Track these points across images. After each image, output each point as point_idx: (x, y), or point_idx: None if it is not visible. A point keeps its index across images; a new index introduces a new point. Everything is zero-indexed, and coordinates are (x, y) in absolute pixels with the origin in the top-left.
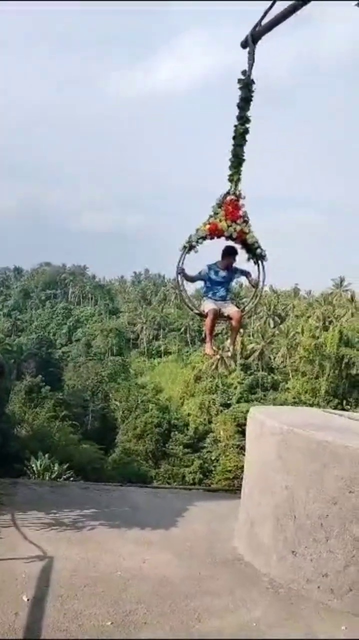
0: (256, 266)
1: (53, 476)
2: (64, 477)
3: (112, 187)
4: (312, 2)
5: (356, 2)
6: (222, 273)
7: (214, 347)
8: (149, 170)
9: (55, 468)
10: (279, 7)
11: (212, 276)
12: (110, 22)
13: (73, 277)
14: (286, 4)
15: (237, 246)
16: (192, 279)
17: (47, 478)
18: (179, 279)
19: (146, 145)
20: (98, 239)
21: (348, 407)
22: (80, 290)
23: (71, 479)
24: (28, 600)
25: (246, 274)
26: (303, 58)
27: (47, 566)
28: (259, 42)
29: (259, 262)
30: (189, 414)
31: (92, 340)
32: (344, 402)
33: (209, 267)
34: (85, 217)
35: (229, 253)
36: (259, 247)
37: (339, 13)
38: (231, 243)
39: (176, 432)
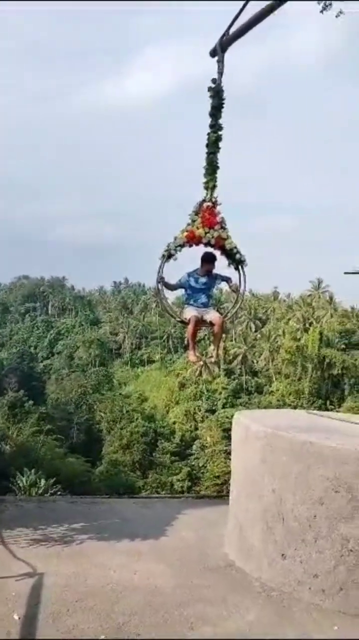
0: (237, 271)
1: (40, 491)
2: (51, 492)
3: (88, 198)
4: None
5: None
6: (203, 280)
7: (197, 354)
8: (124, 181)
9: (42, 483)
10: (246, 16)
11: (193, 283)
12: (77, 35)
13: (52, 289)
14: (253, 12)
15: (217, 252)
16: (172, 287)
17: (34, 494)
18: (160, 287)
19: (120, 156)
20: (76, 250)
21: (331, 407)
22: (60, 302)
23: (58, 493)
24: (19, 618)
25: (227, 279)
26: (269, 66)
27: (38, 583)
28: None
29: (239, 267)
30: (174, 422)
31: (74, 352)
32: (328, 402)
33: (189, 275)
34: (61, 229)
35: (208, 259)
36: (238, 252)
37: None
38: (209, 250)
39: (163, 441)
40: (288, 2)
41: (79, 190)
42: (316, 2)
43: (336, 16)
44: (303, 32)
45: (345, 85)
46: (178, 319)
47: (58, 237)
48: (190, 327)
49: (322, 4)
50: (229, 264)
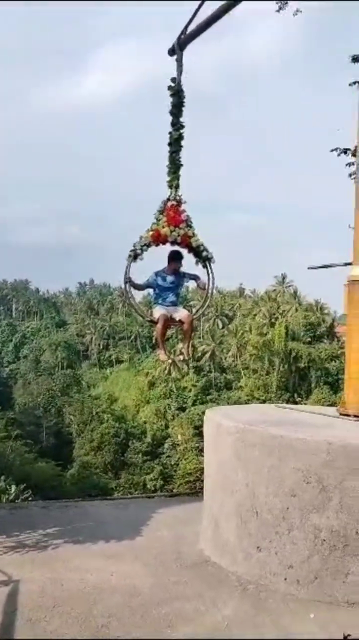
0: (204, 269)
1: (10, 498)
2: (22, 497)
3: (48, 200)
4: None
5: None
6: (170, 278)
7: (167, 352)
8: (87, 180)
9: (12, 489)
10: (204, 15)
11: (160, 282)
12: (32, 35)
13: (15, 293)
14: (211, 11)
15: (184, 250)
16: (140, 287)
17: (4, 500)
18: (127, 288)
19: (80, 156)
20: (38, 253)
21: (299, 399)
22: (25, 305)
23: (29, 499)
24: None
25: (195, 278)
26: (229, 65)
27: (13, 590)
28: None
29: (207, 264)
30: (145, 421)
31: (40, 355)
32: (296, 394)
33: (157, 274)
34: (22, 231)
35: (174, 258)
36: (205, 249)
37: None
38: (176, 248)
39: (134, 441)
40: (244, 2)
41: (40, 191)
42: (273, 1)
43: (294, 14)
44: (261, 31)
45: (305, 85)
46: (147, 319)
47: (20, 239)
48: (159, 326)
49: (279, 3)
50: (196, 262)
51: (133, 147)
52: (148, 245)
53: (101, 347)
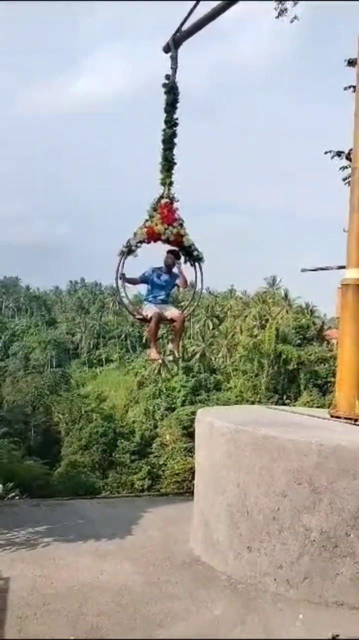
0: (193, 268)
1: None
2: (9, 496)
3: (37, 199)
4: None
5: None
6: (165, 277)
7: (158, 351)
8: (73, 181)
9: (0, 488)
10: (198, 14)
11: (155, 279)
12: (22, 34)
13: (5, 290)
14: (206, 10)
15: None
16: (135, 282)
17: None
18: (121, 284)
19: (69, 157)
20: (27, 251)
21: (288, 401)
22: (14, 303)
23: (17, 497)
24: None
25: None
26: (220, 68)
27: (3, 588)
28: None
29: (197, 264)
30: (134, 421)
31: (30, 353)
32: (284, 396)
33: (153, 270)
34: (12, 229)
35: (174, 252)
36: (195, 249)
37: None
38: (168, 246)
39: (122, 440)
40: (240, 3)
41: (27, 191)
42: (273, 3)
43: (291, 21)
44: (253, 33)
45: (296, 87)
46: (138, 316)
47: (10, 237)
48: (152, 324)
49: (279, 9)
50: (185, 261)
51: (124, 147)
52: (142, 242)
53: (91, 346)
